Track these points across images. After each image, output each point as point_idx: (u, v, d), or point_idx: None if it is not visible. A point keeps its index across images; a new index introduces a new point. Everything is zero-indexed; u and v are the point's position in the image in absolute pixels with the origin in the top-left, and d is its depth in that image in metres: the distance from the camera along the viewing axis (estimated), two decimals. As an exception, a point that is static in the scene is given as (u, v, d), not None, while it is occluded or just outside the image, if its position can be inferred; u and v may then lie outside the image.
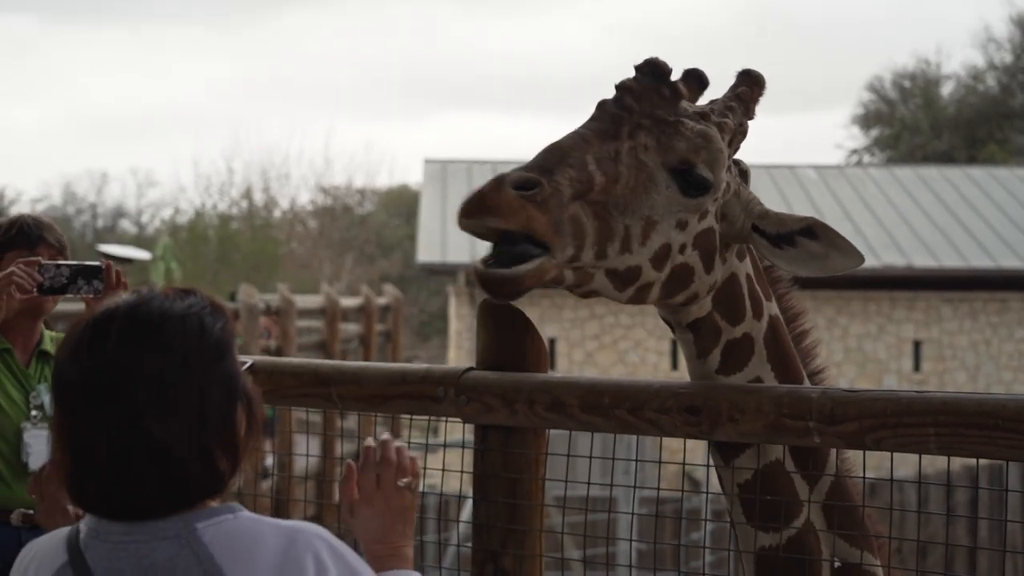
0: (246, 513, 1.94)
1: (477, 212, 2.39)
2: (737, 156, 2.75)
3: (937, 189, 32.44)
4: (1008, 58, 56.00)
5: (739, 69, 2.79)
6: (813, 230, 2.61)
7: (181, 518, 1.89)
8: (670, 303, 2.65)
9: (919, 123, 53.74)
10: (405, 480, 2.21)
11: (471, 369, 3.17)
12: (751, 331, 2.72)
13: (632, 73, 2.63)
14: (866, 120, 57.33)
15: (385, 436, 2.26)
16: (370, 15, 79.29)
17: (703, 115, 2.62)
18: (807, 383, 2.82)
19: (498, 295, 2.44)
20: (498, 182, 2.37)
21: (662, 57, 2.64)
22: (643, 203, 2.50)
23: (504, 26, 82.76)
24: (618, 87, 2.60)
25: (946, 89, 56.94)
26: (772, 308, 2.78)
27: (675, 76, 2.71)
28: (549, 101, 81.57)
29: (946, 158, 48.41)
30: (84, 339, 1.92)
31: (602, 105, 2.59)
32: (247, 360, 2.06)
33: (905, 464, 2.69)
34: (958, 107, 54.47)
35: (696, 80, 2.72)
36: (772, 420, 2.65)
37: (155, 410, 1.85)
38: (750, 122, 2.76)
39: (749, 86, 2.76)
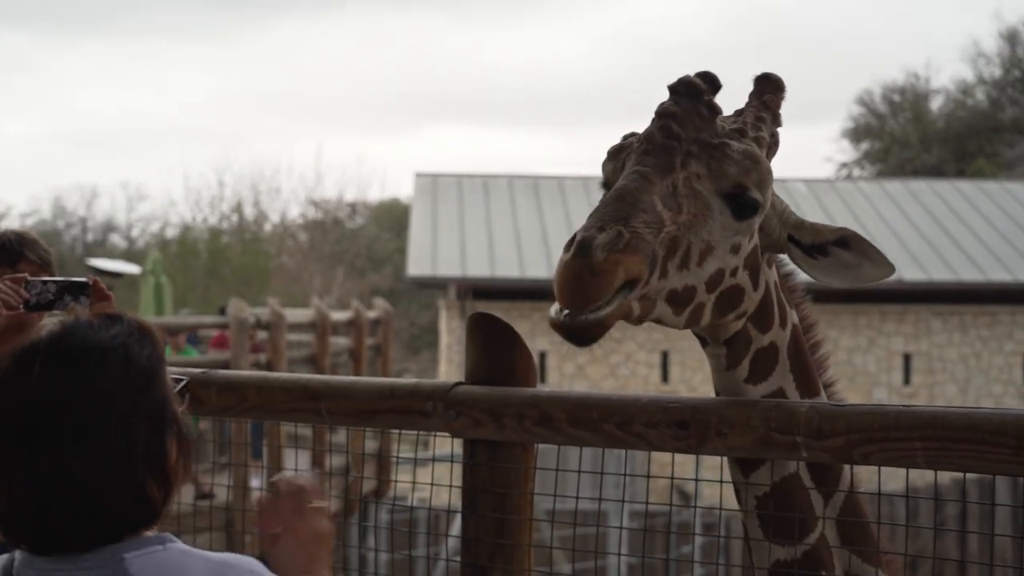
0: (178, 545, 1.92)
1: (582, 304, 2.34)
2: None
3: (927, 203, 32.52)
4: (997, 72, 56.23)
5: (757, 74, 2.76)
6: (847, 240, 2.63)
7: (110, 548, 1.87)
8: (720, 322, 2.63)
9: (909, 137, 53.89)
10: (319, 503, 2.19)
11: (459, 384, 3.16)
12: (776, 340, 2.71)
13: (663, 95, 2.60)
14: (856, 134, 57.51)
15: (286, 474, 2.23)
16: (365, 28, 79.51)
17: (740, 131, 2.62)
18: (823, 395, 2.81)
19: (582, 341, 2.41)
20: (584, 253, 2.31)
21: (668, 72, 2.62)
22: (703, 230, 2.50)
23: (498, 38, 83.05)
24: (661, 113, 2.58)
25: (935, 103, 57.14)
26: (794, 317, 2.78)
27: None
28: (542, 113, 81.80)
29: (936, 172, 48.54)
30: (8, 374, 1.90)
31: (651, 136, 2.56)
32: (182, 379, 2.04)
33: (896, 477, 2.69)
34: (947, 121, 54.66)
35: (710, 83, 2.69)
36: (761, 435, 2.65)
37: (80, 447, 1.83)
38: (781, 124, 2.75)
39: (773, 92, 2.74)
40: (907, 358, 28.85)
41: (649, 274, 2.40)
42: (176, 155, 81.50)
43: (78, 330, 1.92)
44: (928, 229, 30.78)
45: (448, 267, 28.45)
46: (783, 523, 2.70)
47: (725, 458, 2.80)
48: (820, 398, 2.78)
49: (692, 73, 2.71)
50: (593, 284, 2.32)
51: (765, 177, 2.57)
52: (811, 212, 31.02)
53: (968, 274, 28.64)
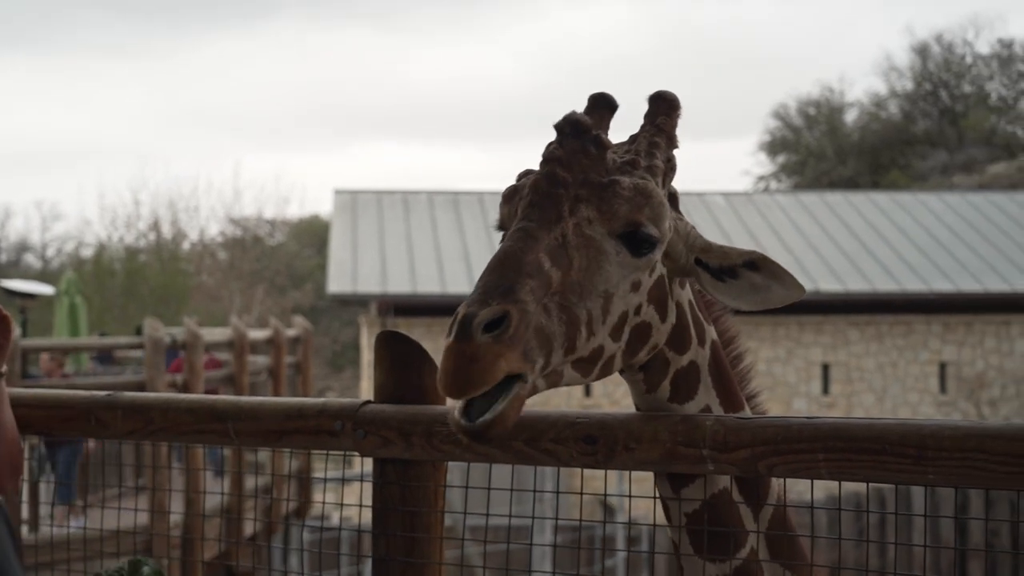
0: None
1: (462, 391, 2.26)
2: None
3: (842, 214, 32.99)
4: (909, 86, 57.28)
5: (651, 93, 2.67)
6: (755, 263, 2.57)
7: None
8: (633, 361, 2.58)
9: (824, 149, 54.72)
10: None
11: (368, 402, 3.14)
12: (696, 359, 2.67)
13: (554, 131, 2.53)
14: (772, 147, 58.29)
15: None
16: (289, 45, 79.36)
17: (632, 163, 2.53)
18: (747, 409, 2.79)
19: (486, 440, 2.33)
20: (464, 336, 2.23)
21: (571, 106, 2.55)
22: (599, 280, 2.43)
23: (423, 54, 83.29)
24: (546, 159, 2.51)
25: (850, 116, 58.09)
26: (712, 333, 2.74)
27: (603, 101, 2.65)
28: (466, 128, 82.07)
29: (851, 184, 49.34)
30: None
31: (536, 185, 2.48)
32: None
33: (817, 487, 2.70)
34: (862, 134, 55.59)
35: (606, 105, 2.65)
36: (668, 448, 2.65)
37: None
38: (676, 150, 2.65)
39: (667, 113, 2.64)
40: (825, 368, 29.20)
41: (547, 357, 2.33)
42: (91, 173, 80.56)
43: None
44: (844, 240, 31.21)
45: (369, 284, 28.33)
46: (715, 539, 2.68)
47: (643, 473, 2.79)
48: (744, 413, 2.76)
49: (596, 92, 2.64)
50: (471, 370, 2.24)
51: (659, 210, 2.50)
52: (729, 225, 31.33)
53: (883, 284, 29.08)
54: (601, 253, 2.45)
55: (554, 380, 2.42)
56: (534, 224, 2.43)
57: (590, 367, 2.47)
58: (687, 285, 2.68)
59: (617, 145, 2.60)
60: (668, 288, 2.60)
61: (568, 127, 2.53)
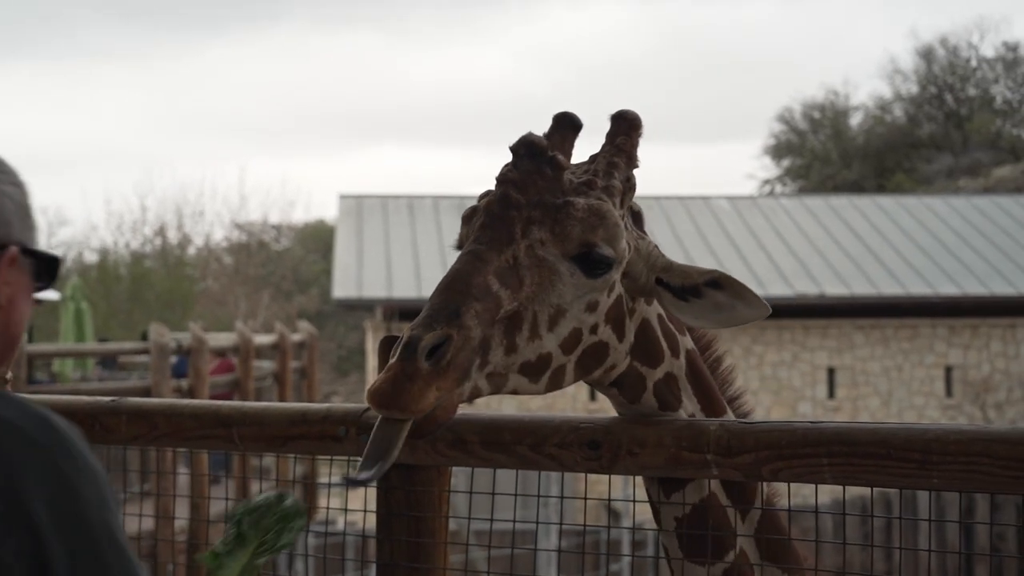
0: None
1: (390, 405, 2.27)
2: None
3: (847, 218, 32.96)
4: (914, 89, 57.26)
5: (612, 112, 2.68)
6: (718, 282, 2.54)
7: None
8: (589, 379, 2.60)
9: (829, 153, 54.73)
10: None
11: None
12: (672, 369, 2.68)
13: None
14: (777, 151, 58.27)
15: None
16: (292, 50, 79.43)
17: (589, 184, 2.54)
18: (729, 413, 2.80)
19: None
20: (407, 357, 2.26)
21: (535, 132, 2.56)
22: (552, 295, 2.44)
23: (426, 58, 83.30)
24: (499, 180, 2.52)
25: (855, 119, 58.06)
26: (687, 343, 2.75)
27: (576, 117, 2.66)
28: (470, 131, 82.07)
29: (856, 187, 49.30)
30: None
31: (489, 207, 2.50)
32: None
33: (822, 490, 2.70)
34: (867, 137, 55.56)
35: (569, 125, 2.66)
36: (672, 453, 2.65)
37: None
38: (638, 166, 2.65)
39: (627, 133, 2.64)
40: (831, 372, 29.16)
41: (484, 356, 2.34)
42: (97, 178, 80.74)
43: None
44: (849, 244, 31.18)
45: (374, 288, 28.35)
46: (703, 542, 2.70)
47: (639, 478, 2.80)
48: (727, 416, 2.78)
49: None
50: (405, 389, 2.25)
51: (613, 231, 2.50)
52: (734, 229, 31.32)
53: (889, 288, 29.04)
54: (554, 273, 2.46)
55: (498, 383, 2.43)
56: (484, 247, 2.44)
57: (538, 375, 2.48)
58: (654, 301, 2.68)
59: (576, 165, 2.61)
60: (626, 308, 2.60)
61: (523, 148, 2.54)
